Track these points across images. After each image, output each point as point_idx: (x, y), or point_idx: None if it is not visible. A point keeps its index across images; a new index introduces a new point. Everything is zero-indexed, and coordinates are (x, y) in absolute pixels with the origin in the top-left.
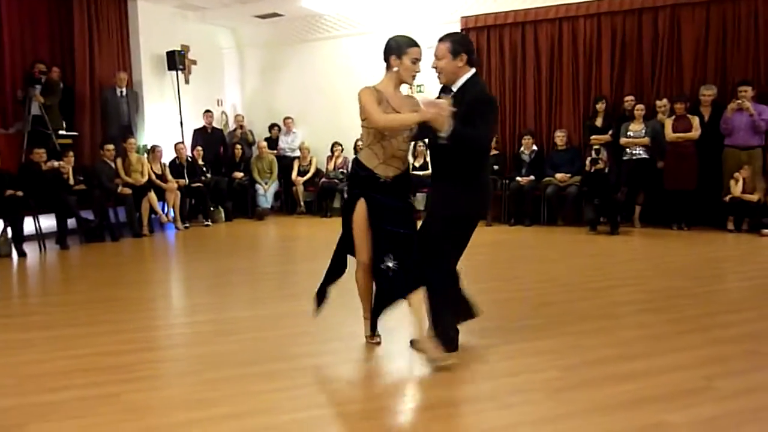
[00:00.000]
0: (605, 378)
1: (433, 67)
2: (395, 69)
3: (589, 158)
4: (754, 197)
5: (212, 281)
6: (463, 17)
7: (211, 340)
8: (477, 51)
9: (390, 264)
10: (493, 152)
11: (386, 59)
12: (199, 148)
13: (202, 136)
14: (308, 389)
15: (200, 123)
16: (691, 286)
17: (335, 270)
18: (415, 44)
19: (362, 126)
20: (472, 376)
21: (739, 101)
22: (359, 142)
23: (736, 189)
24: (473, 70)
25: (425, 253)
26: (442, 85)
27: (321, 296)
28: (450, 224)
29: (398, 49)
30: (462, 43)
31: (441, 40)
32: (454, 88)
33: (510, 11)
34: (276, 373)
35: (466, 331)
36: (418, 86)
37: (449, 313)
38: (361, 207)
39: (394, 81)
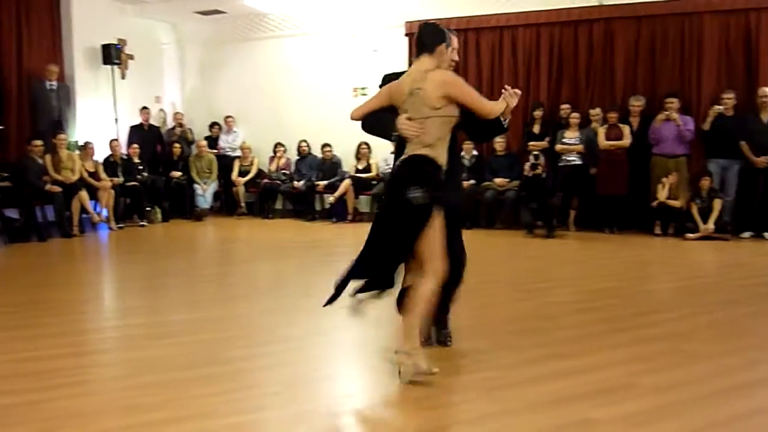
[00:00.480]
0: (537, 377)
1: (455, 60)
2: (441, 57)
3: (529, 163)
4: (679, 203)
5: (146, 283)
6: (407, 22)
7: (143, 343)
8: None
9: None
10: None
11: (431, 45)
12: (135, 145)
13: (139, 133)
14: (245, 393)
15: (137, 120)
16: (621, 287)
17: (378, 282)
18: (454, 34)
19: (434, 116)
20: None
21: (668, 112)
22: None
23: (663, 195)
24: None
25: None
26: (384, 75)
27: (339, 292)
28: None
29: (447, 38)
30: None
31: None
32: None
33: (453, 18)
34: (212, 377)
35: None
36: (362, 88)
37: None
38: (440, 216)
39: (436, 68)
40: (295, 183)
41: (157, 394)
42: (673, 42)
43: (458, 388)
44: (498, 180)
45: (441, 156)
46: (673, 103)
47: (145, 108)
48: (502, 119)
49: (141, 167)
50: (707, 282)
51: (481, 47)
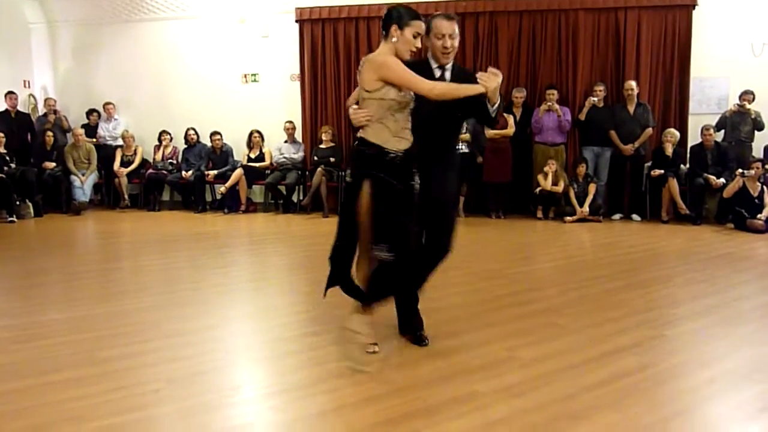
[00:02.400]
0: (423, 356)
1: (446, 47)
2: (394, 40)
3: None
4: (559, 189)
5: (17, 283)
6: (297, 8)
7: (9, 348)
8: (313, 44)
9: (384, 255)
10: (330, 145)
11: (385, 28)
12: (1, 134)
13: (5, 120)
14: (123, 392)
15: (2, 106)
16: (503, 268)
17: (344, 263)
18: (418, 17)
19: (369, 98)
20: (293, 366)
21: (550, 103)
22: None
23: (544, 182)
24: None
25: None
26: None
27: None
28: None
29: (399, 18)
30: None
31: (449, 18)
32: (449, 66)
33: (344, 6)
34: (86, 379)
35: (287, 323)
36: (252, 75)
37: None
38: (366, 188)
39: (391, 53)
40: (183, 173)
41: (17, 401)
42: (551, 37)
43: (347, 372)
44: None
45: (379, 135)
46: (553, 94)
47: (11, 93)
48: (489, 105)
49: (9, 158)
50: (581, 260)
51: (372, 37)
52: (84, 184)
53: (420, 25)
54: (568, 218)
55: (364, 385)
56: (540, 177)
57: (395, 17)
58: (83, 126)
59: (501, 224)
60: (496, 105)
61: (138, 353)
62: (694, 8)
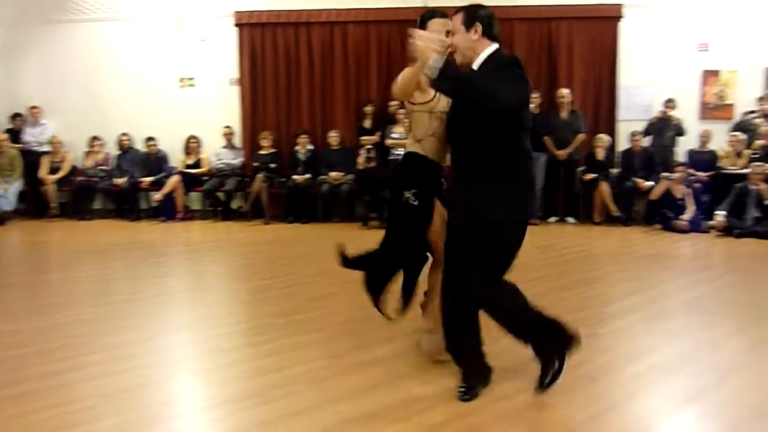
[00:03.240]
0: (368, 362)
1: (448, 47)
2: None
3: (366, 156)
4: None
5: None
6: (237, 12)
7: None
8: (252, 48)
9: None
10: (270, 151)
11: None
12: None
13: None
14: (52, 411)
15: None
16: None
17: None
18: (437, 15)
19: (421, 111)
20: (232, 377)
21: None
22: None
23: None
24: (495, 45)
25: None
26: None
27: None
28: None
29: (420, 22)
30: (475, 12)
31: (442, 15)
32: (475, 67)
33: (283, 11)
34: (15, 398)
35: (227, 333)
36: (189, 79)
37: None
38: (439, 207)
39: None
40: (116, 180)
41: None
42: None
43: (287, 381)
44: (333, 174)
45: (434, 150)
46: None
47: None
48: (428, 74)
49: None
50: (518, 263)
51: (313, 42)
52: (7, 192)
53: (438, 23)
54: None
55: (304, 395)
56: None
57: (419, 21)
58: (7, 131)
59: None
60: (433, 68)
61: (70, 369)
62: (620, 20)
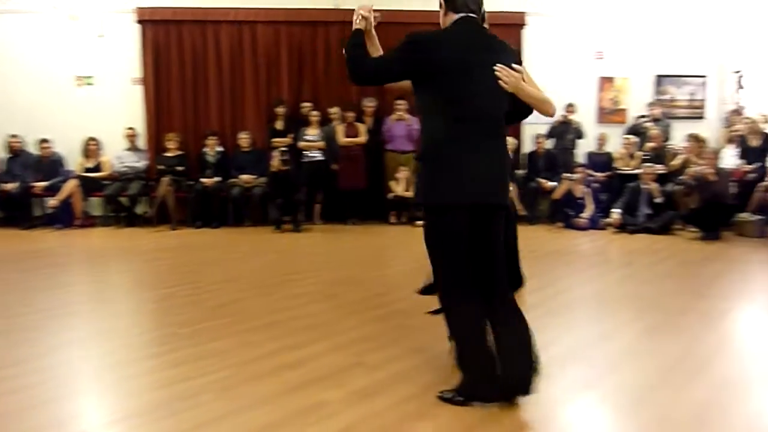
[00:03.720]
0: (272, 370)
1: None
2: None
3: (281, 158)
4: (410, 194)
5: None
6: (138, 8)
7: None
8: (156, 46)
9: None
10: (176, 153)
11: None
12: None
13: None
14: None
15: None
16: (356, 274)
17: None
18: None
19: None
20: (135, 390)
21: (400, 113)
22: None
23: (397, 188)
24: (456, 16)
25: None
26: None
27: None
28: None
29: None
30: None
31: None
32: None
33: (189, 8)
34: None
35: (129, 345)
36: (87, 77)
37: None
38: None
39: None
40: (6, 186)
41: None
42: None
43: (193, 392)
44: (244, 176)
45: None
46: (402, 104)
47: None
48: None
49: None
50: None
51: (221, 41)
52: None
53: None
54: (419, 222)
55: (208, 406)
56: (392, 183)
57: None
58: None
59: (356, 230)
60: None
61: None
62: (523, 28)
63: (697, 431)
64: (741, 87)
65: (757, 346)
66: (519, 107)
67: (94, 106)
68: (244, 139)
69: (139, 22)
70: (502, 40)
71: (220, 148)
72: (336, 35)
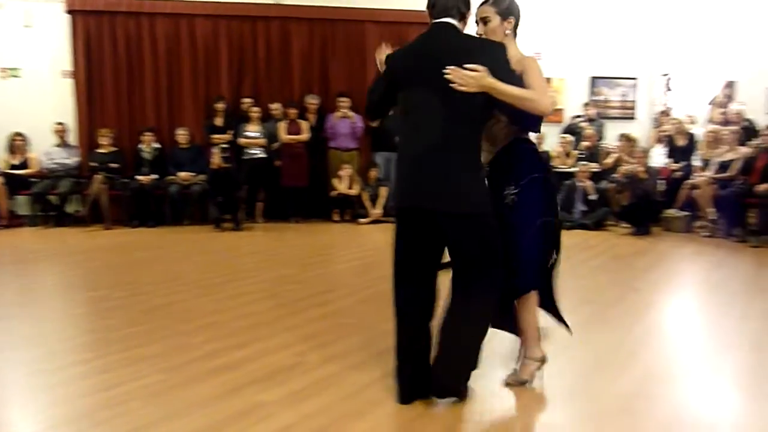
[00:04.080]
0: (208, 372)
1: (479, 34)
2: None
3: (222, 156)
4: (355, 192)
5: None
6: None
7: None
8: (87, 38)
9: None
10: (111, 149)
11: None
12: None
13: None
14: None
15: None
16: (298, 272)
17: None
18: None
19: None
20: (61, 398)
21: (344, 110)
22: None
23: (342, 186)
24: (432, 22)
25: None
26: None
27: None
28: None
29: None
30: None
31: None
32: None
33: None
34: None
35: (55, 351)
36: (12, 69)
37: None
38: None
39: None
40: None
41: None
42: (342, 46)
43: (120, 399)
44: (182, 174)
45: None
46: (345, 102)
47: None
48: None
49: None
50: (373, 260)
51: (157, 34)
52: None
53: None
54: (363, 220)
55: (138, 413)
56: (335, 181)
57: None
58: None
59: (300, 228)
60: None
61: None
62: (464, 26)
63: (624, 421)
64: (669, 89)
65: (682, 337)
66: (504, 108)
67: (21, 99)
68: (182, 135)
69: (70, 12)
70: (484, 41)
71: (156, 145)
72: (277, 31)
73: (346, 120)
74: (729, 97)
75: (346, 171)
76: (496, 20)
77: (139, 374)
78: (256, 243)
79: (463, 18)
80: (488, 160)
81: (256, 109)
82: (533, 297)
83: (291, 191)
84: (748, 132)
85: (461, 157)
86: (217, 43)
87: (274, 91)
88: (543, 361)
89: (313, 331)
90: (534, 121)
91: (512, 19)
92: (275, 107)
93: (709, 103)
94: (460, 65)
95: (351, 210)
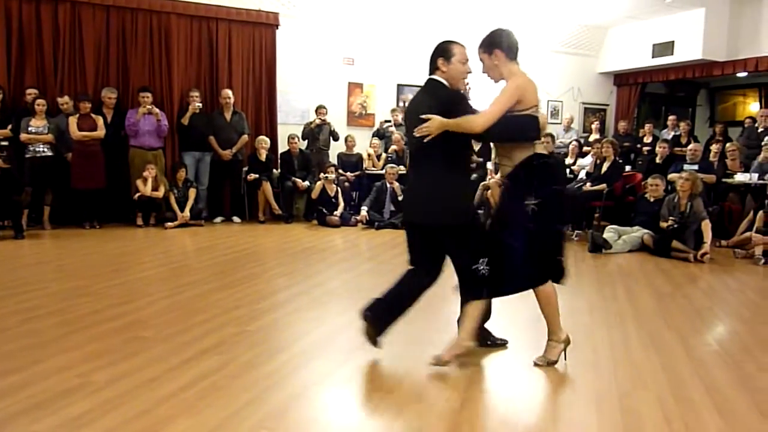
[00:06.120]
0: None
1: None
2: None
3: (1, 155)
4: (160, 194)
5: None
6: None
7: None
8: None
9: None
10: None
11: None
12: None
13: None
14: None
15: None
16: (90, 284)
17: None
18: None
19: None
20: None
21: (150, 107)
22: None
23: (144, 187)
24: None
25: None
26: None
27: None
28: None
29: (445, 51)
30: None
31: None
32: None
33: None
34: None
35: None
36: None
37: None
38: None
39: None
40: None
41: None
42: (143, 37)
43: None
44: None
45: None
46: (148, 97)
47: None
48: None
49: None
50: (179, 266)
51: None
52: None
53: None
54: (170, 224)
55: None
56: (139, 182)
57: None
58: None
59: (96, 234)
60: None
61: None
62: (277, 28)
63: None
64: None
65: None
66: (459, 137)
67: None
68: None
69: None
70: (437, 85)
71: None
72: (67, 15)
73: (150, 117)
74: None
75: (150, 171)
76: (486, 58)
77: None
78: (43, 252)
79: (439, 68)
80: (506, 174)
81: (41, 101)
82: (548, 288)
83: (85, 194)
84: None
85: (441, 181)
86: None
87: (64, 83)
88: (567, 342)
89: (102, 347)
90: (523, 133)
91: (497, 51)
92: (64, 100)
93: None
94: (420, 115)
95: (156, 213)
